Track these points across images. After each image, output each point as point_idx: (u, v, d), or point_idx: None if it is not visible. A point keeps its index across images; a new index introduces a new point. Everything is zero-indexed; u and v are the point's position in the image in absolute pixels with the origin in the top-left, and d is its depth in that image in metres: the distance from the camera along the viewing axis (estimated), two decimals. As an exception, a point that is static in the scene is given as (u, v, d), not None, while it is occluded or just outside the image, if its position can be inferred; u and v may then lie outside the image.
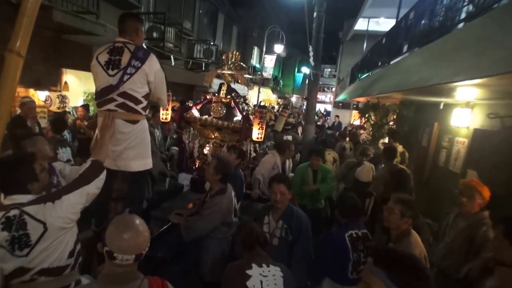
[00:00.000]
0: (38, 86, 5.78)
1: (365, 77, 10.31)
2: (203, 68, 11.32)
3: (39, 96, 5.75)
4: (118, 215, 1.51)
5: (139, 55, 2.32)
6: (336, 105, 17.36)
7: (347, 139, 6.73)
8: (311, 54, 6.59)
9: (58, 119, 4.10)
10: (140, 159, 2.46)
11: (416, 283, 1.00)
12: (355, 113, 12.78)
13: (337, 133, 8.77)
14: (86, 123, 5.49)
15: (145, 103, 2.42)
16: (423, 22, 5.44)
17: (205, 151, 4.19)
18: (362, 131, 8.15)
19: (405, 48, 6.34)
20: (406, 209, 2.16)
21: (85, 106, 5.74)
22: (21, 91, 5.66)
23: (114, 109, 2.31)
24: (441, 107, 5.15)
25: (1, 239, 1.55)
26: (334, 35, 18.97)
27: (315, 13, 9.42)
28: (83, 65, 6.56)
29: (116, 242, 1.32)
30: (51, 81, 6.18)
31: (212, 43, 11.87)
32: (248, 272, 1.83)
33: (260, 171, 4.08)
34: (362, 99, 9.03)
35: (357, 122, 11.04)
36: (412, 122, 6.58)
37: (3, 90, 1.00)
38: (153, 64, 2.38)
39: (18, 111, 4.30)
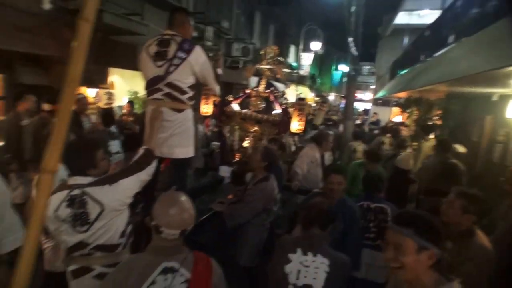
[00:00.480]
0: (89, 84, 6.19)
1: (406, 72, 9.85)
2: (241, 66, 11.48)
3: (89, 93, 6.16)
4: (165, 192, 1.57)
5: (185, 47, 2.39)
6: (375, 102, 16.75)
7: (388, 134, 6.48)
8: (351, 44, 6.43)
9: (108, 113, 4.36)
10: (183, 147, 2.53)
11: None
12: (395, 109, 12.24)
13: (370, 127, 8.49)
14: (131, 118, 5.81)
15: (190, 93, 2.48)
16: (472, 10, 5.08)
17: (245, 144, 4.26)
18: (403, 128, 7.80)
19: (451, 39, 5.96)
20: (470, 204, 1.92)
21: (131, 103, 6.06)
22: (73, 89, 6.10)
23: (161, 98, 2.40)
24: (495, 98, 4.78)
25: (66, 215, 1.69)
26: (373, 31, 18.35)
27: (352, 8, 9.16)
28: (128, 64, 6.96)
29: (162, 217, 1.37)
30: (100, 79, 6.59)
31: (249, 42, 11.99)
32: (290, 256, 1.76)
33: (298, 164, 4.08)
34: (403, 95, 8.63)
35: (396, 119, 10.56)
36: (460, 116, 6.18)
37: (76, 53, 1.15)
38: (198, 55, 2.43)
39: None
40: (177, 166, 2.54)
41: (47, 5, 4.66)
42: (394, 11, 14.58)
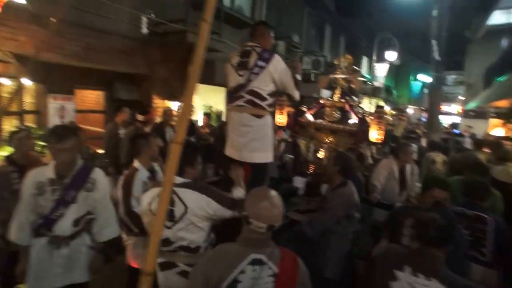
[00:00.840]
0: (172, 98, 6.79)
1: (507, 78, 8.52)
2: (312, 79, 11.42)
3: (173, 106, 6.75)
4: (258, 187, 1.64)
5: (264, 56, 2.50)
6: (466, 114, 14.81)
7: (486, 149, 5.61)
8: (434, 49, 5.86)
9: (192, 124, 4.68)
10: (262, 152, 2.58)
11: None
12: (494, 121, 10.55)
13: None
14: (207, 130, 6.15)
15: (270, 100, 2.56)
16: None
17: (319, 155, 4.13)
18: (508, 143, 6.67)
19: None
20: None
21: (208, 115, 6.43)
22: (159, 102, 6.76)
23: (243, 104, 2.52)
24: None
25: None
26: (459, 36, 16.53)
27: (434, 12, 8.39)
28: (204, 79, 7.42)
29: (253, 209, 1.43)
30: (181, 94, 7.17)
31: (320, 55, 11.92)
32: (396, 273, 1.55)
33: (376, 177, 3.87)
34: (503, 104, 7.46)
35: (497, 132, 9.07)
36: None
37: (197, 52, 1.33)
38: (277, 64, 2.52)
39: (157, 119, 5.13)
40: (256, 171, 2.58)
41: (145, 30, 5.29)
42: (487, 11, 12.92)
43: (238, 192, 2.05)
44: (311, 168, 4.21)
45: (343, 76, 4.34)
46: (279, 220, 1.45)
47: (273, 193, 1.50)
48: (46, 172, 1.98)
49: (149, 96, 6.72)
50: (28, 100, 5.02)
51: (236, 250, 1.44)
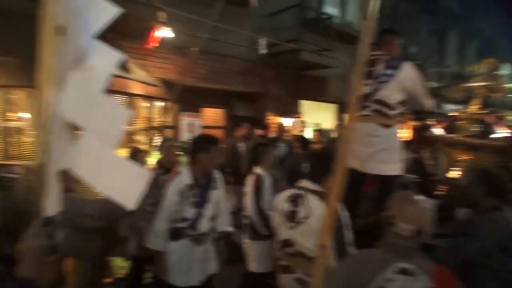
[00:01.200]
0: (284, 114, 7.06)
1: None
2: (433, 93, 10.27)
3: (284, 122, 6.98)
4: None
5: (392, 64, 2.41)
6: None
7: None
8: None
9: (305, 139, 4.77)
10: (389, 163, 2.43)
11: None
12: None
13: None
14: (319, 146, 6.11)
15: (399, 109, 2.44)
16: None
17: (452, 174, 3.60)
18: None
19: None
20: None
21: (320, 131, 6.42)
22: (272, 118, 7.11)
23: (369, 114, 2.44)
24: None
25: (285, 209, 1.91)
26: None
27: None
28: (314, 96, 7.54)
29: (398, 210, 1.36)
30: (293, 110, 7.42)
31: (442, 65, 10.69)
32: None
33: None
34: None
35: None
36: None
37: (361, 48, 1.38)
38: (407, 72, 2.40)
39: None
40: (382, 184, 2.42)
41: (263, 51, 5.66)
42: None
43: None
44: (441, 189, 3.71)
45: (482, 83, 3.77)
46: (427, 225, 1.35)
47: (419, 198, 1.47)
48: (183, 179, 2.20)
49: (263, 112, 7.15)
50: (167, 118, 5.97)
51: (378, 257, 1.35)
